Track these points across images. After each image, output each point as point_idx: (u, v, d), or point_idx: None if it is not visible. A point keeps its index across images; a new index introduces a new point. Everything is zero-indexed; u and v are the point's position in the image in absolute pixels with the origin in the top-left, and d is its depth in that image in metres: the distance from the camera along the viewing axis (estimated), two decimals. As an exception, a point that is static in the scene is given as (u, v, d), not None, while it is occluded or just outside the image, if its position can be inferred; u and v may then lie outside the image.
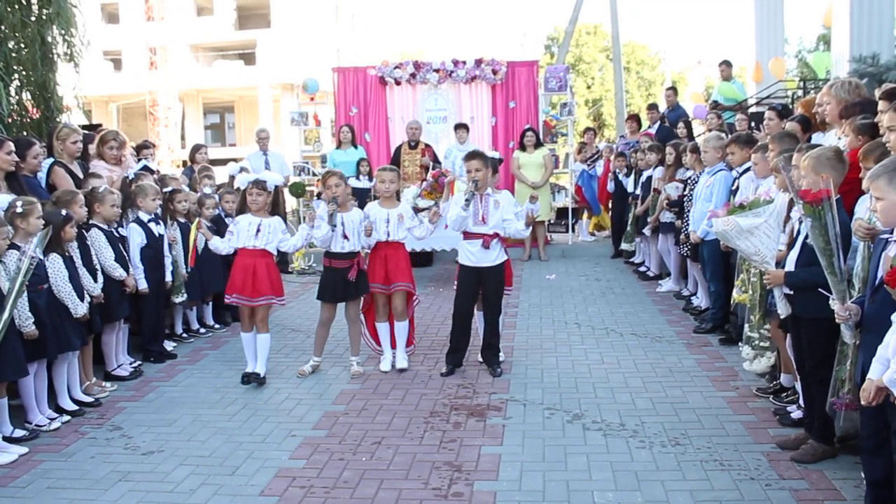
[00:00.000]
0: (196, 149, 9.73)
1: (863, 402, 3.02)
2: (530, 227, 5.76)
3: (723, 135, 7.08)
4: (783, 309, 4.06)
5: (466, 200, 5.51)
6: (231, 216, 6.90)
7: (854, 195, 3.94)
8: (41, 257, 4.65)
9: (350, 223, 5.66)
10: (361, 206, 6.08)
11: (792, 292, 3.99)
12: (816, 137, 5.43)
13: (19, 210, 4.67)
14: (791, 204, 4.19)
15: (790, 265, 3.99)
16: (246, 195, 5.71)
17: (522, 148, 10.84)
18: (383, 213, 5.76)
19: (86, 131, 7.00)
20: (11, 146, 5.32)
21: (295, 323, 7.44)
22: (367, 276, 5.77)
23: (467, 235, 5.66)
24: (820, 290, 3.50)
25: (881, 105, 4.15)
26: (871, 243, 3.35)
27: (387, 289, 5.76)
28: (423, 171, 10.09)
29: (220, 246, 5.77)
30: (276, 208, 5.76)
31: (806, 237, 3.73)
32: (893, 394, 2.86)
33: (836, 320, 3.38)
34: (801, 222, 3.85)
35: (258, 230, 5.60)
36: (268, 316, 5.73)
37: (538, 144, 10.93)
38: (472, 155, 5.70)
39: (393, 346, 5.88)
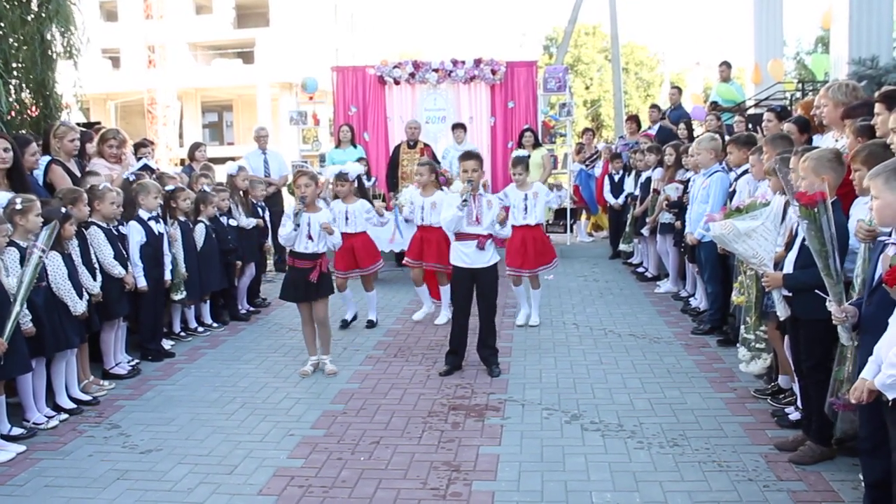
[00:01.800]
0: (195, 147, 9.73)
1: (853, 401, 3.03)
2: (509, 225, 6.02)
3: (716, 136, 7.05)
4: (782, 311, 4.06)
5: (464, 201, 5.50)
6: (225, 215, 7.58)
7: (852, 197, 3.95)
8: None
9: (316, 224, 5.62)
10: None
11: (791, 294, 4.00)
12: (815, 139, 5.44)
13: (18, 207, 4.66)
14: (787, 205, 4.20)
15: (788, 267, 3.99)
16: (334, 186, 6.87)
17: (521, 148, 10.82)
18: (421, 201, 6.91)
19: (83, 129, 6.99)
20: (6, 143, 5.29)
21: (293, 322, 7.41)
22: (407, 252, 7.16)
23: (460, 236, 5.65)
24: (817, 291, 3.50)
25: (877, 108, 4.16)
26: (872, 245, 3.35)
27: (421, 264, 7.00)
28: (423, 170, 10.07)
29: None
30: (362, 193, 7.09)
31: (804, 239, 3.74)
32: (887, 397, 2.86)
33: (833, 322, 3.39)
34: (798, 224, 3.86)
35: (346, 217, 6.76)
36: (372, 279, 7.14)
37: (537, 145, 10.93)
38: (469, 155, 5.68)
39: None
